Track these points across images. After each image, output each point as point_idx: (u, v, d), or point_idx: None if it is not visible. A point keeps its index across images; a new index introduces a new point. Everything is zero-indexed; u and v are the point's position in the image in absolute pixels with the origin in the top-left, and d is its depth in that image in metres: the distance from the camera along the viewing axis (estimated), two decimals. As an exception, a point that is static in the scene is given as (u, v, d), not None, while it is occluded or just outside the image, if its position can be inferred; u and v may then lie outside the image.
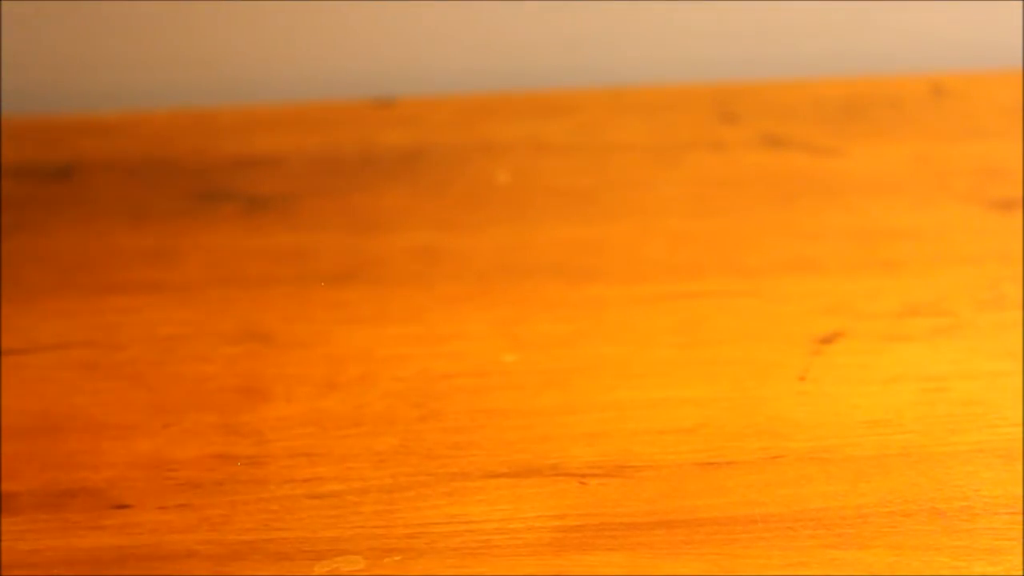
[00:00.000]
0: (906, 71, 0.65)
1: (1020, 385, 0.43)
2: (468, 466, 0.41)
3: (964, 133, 0.59)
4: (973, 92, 0.63)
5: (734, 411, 0.43)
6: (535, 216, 0.52)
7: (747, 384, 0.44)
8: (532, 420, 0.43)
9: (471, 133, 0.58)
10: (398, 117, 0.59)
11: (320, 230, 0.52)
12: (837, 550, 0.37)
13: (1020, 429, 0.41)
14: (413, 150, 0.57)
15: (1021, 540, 0.37)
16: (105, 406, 0.44)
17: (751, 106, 0.63)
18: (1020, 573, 0.36)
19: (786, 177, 0.56)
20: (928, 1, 0.67)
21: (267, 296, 0.49)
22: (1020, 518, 0.38)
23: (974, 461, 0.40)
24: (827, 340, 0.46)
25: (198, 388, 0.45)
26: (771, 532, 0.38)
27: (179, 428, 0.43)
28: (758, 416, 0.42)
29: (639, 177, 0.55)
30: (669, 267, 0.50)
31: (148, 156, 0.59)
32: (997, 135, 0.59)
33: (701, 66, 0.66)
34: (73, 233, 0.54)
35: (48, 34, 0.65)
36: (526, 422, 0.42)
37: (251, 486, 0.40)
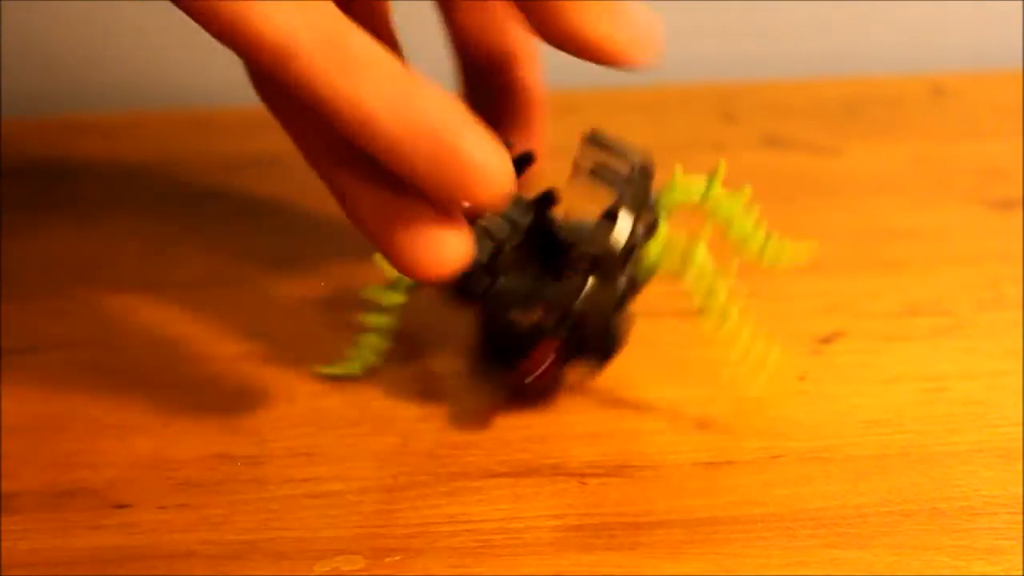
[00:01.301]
0: (906, 71, 0.65)
1: (1020, 385, 0.43)
2: (468, 466, 0.41)
3: (964, 133, 0.59)
4: (973, 92, 0.63)
5: (734, 411, 0.43)
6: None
7: (747, 384, 0.44)
8: (532, 420, 0.43)
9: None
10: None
11: (320, 230, 0.52)
12: (837, 550, 0.37)
13: (1020, 429, 0.41)
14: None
15: (1021, 540, 0.37)
16: (105, 406, 0.44)
17: (751, 106, 0.63)
18: (1020, 573, 0.36)
19: (786, 177, 0.56)
20: (928, 1, 0.67)
21: (267, 296, 0.49)
22: (1020, 518, 0.38)
23: (974, 461, 0.40)
24: (827, 340, 0.46)
25: (198, 388, 0.44)
26: (771, 532, 0.38)
27: (179, 428, 0.43)
28: (758, 416, 0.42)
29: (639, 177, 0.55)
30: (669, 267, 0.50)
31: (148, 156, 0.59)
32: (997, 135, 0.59)
33: (701, 66, 0.66)
34: (73, 233, 0.54)
35: (48, 34, 0.65)
36: (526, 422, 0.42)
37: (251, 486, 0.40)
